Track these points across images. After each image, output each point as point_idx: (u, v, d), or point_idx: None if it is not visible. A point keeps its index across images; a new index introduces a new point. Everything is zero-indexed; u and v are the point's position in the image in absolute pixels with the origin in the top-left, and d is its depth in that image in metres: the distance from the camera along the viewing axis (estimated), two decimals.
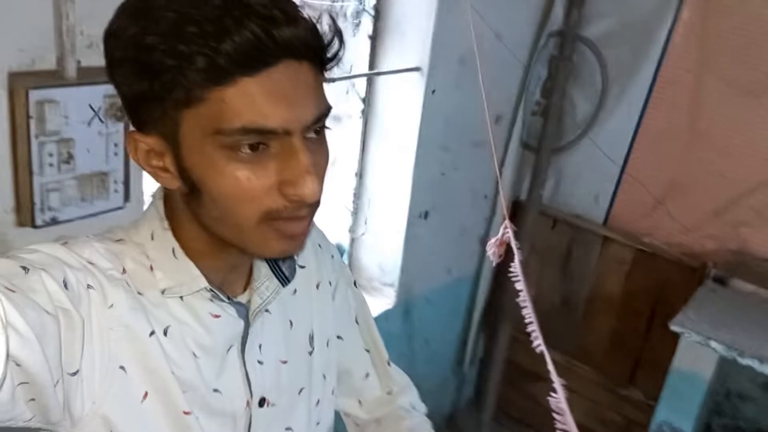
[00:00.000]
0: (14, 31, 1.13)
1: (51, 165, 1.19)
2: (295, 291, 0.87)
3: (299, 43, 0.62)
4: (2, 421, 0.55)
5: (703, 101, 2.25)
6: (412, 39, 2.03)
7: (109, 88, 1.24)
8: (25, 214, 1.21)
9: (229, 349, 0.77)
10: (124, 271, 0.70)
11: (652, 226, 2.46)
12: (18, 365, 0.52)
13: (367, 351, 1.03)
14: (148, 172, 0.68)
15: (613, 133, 2.47)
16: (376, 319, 2.30)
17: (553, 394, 0.95)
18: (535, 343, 1.17)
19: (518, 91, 2.48)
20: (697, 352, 1.96)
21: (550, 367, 0.98)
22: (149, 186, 1.63)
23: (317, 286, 0.90)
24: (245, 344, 0.78)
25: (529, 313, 1.17)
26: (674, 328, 1.93)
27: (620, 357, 2.62)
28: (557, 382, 0.95)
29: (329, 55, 0.66)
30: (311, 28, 0.63)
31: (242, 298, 0.79)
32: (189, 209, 0.69)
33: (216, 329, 0.75)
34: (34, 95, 1.14)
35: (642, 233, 2.48)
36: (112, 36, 0.63)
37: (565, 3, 2.39)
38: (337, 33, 0.65)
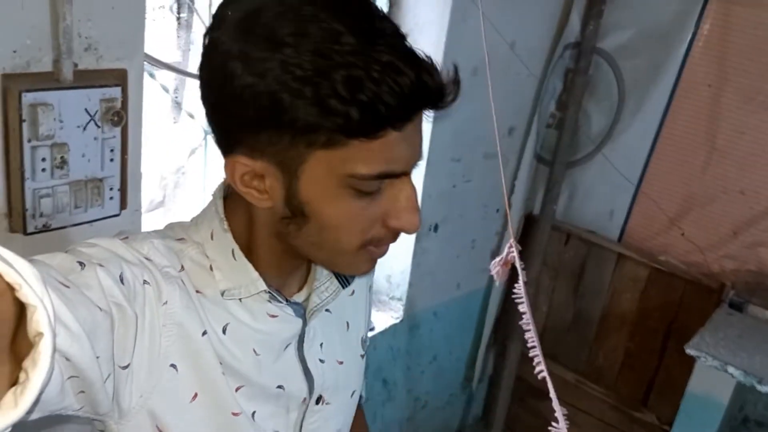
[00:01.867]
0: (9, 32, 1.10)
1: (44, 170, 1.16)
2: (353, 293, 0.89)
3: (437, 99, 0.62)
4: (52, 411, 0.55)
5: (723, 116, 2.19)
6: (423, 48, 1.97)
7: (107, 92, 1.23)
8: (17, 220, 1.17)
9: (286, 347, 0.78)
10: (181, 269, 0.71)
11: (668, 244, 2.39)
12: (68, 360, 0.53)
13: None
14: (241, 191, 0.67)
15: (629, 147, 2.41)
16: (383, 333, 2.25)
17: (554, 424, 0.89)
18: (537, 369, 1.11)
19: (532, 103, 2.43)
20: (714, 376, 1.89)
21: (553, 395, 0.92)
22: (148, 194, 1.60)
23: (369, 288, 0.94)
24: (302, 342, 0.80)
25: (532, 338, 1.11)
26: (690, 351, 1.86)
27: (634, 378, 2.54)
28: (559, 411, 0.90)
29: (449, 105, 0.65)
30: (442, 81, 0.62)
31: (298, 297, 0.80)
32: (277, 227, 0.69)
33: (273, 329, 0.76)
34: (27, 98, 1.10)
35: (658, 251, 2.41)
36: (236, 59, 0.60)
37: (581, 14, 2.34)
38: (458, 83, 0.64)
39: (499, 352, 2.75)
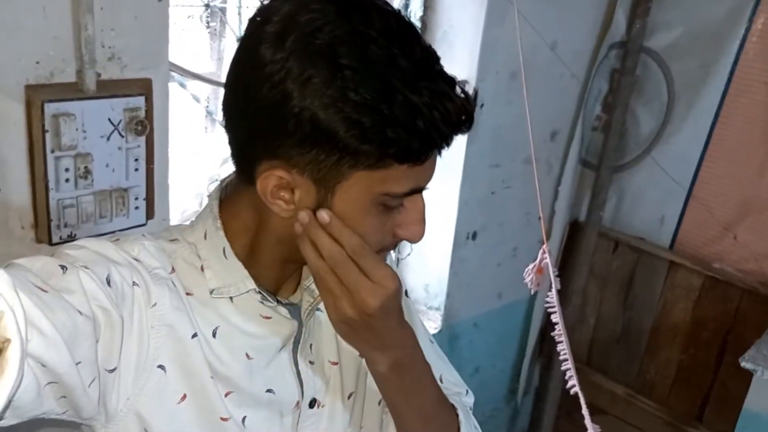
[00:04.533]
0: (31, 43, 1.11)
1: (67, 180, 1.16)
2: None
3: (471, 123, 0.65)
4: (32, 416, 0.54)
5: None
6: (459, 52, 1.94)
7: (131, 102, 1.22)
8: (43, 230, 1.18)
9: (280, 349, 0.77)
10: (172, 270, 0.71)
11: (723, 251, 2.27)
12: (44, 366, 0.52)
13: None
14: (269, 201, 0.66)
15: (680, 150, 2.30)
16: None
17: None
18: (570, 384, 1.05)
19: (576, 105, 2.35)
20: None
21: (585, 413, 0.87)
22: (177, 204, 1.60)
23: None
24: (298, 344, 0.78)
25: (563, 350, 1.05)
26: (745, 365, 1.75)
27: (687, 392, 2.42)
28: (590, 429, 0.84)
29: None
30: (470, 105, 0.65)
31: (294, 298, 0.79)
32: (291, 235, 0.68)
33: (267, 331, 0.75)
34: (50, 108, 1.11)
35: (712, 258, 2.30)
36: (295, 80, 0.60)
37: (627, 12, 2.26)
38: (474, 107, 0.66)
39: (544, 364, 2.66)
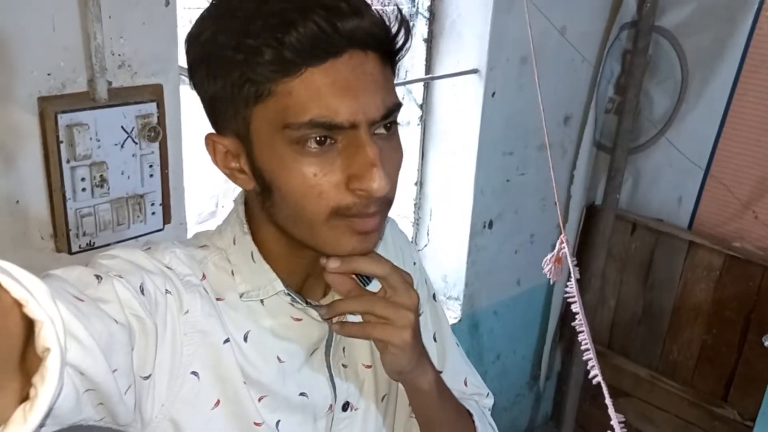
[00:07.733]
0: (42, 56, 1.11)
1: (84, 189, 1.17)
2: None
3: (364, 34, 0.62)
4: (71, 423, 0.55)
5: None
6: (468, 40, 1.93)
7: (143, 108, 1.23)
8: (62, 240, 1.19)
9: (313, 352, 0.77)
10: (203, 277, 0.71)
11: (742, 230, 2.24)
12: (82, 374, 0.52)
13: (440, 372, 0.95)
14: (226, 174, 0.69)
15: (695, 129, 2.27)
16: None
17: None
18: (592, 374, 1.04)
19: (589, 88, 2.33)
20: None
21: (608, 401, 0.86)
22: (193, 207, 1.61)
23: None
24: (330, 347, 0.78)
25: (584, 339, 1.04)
26: None
27: (712, 372, 2.40)
28: (615, 419, 0.84)
29: (396, 47, 0.66)
30: (377, 19, 0.63)
31: (325, 301, 0.78)
32: (264, 210, 0.69)
33: (298, 333, 0.75)
34: (63, 119, 1.12)
35: (732, 237, 2.27)
36: (192, 40, 0.65)
37: None
38: (403, 23, 0.65)
39: (566, 348, 2.65)
